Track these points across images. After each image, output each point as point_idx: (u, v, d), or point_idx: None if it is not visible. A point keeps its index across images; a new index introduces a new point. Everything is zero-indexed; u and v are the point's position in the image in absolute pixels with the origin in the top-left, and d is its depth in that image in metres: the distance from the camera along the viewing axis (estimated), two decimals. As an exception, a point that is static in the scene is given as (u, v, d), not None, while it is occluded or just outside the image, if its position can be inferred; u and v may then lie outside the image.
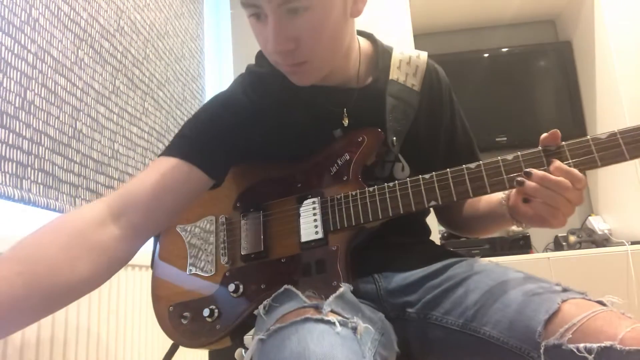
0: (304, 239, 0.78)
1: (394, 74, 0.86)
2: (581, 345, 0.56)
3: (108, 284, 1.21)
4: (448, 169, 0.72)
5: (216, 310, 0.79)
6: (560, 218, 0.66)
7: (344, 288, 0.68)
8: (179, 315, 0.81)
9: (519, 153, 0.69)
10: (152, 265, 0.92)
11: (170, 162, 0.76)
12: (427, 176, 0.73)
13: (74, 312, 1.08)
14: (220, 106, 0.85)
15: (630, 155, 0.63)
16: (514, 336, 0.64)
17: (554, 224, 0.67)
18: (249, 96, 0.84)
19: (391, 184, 0.75)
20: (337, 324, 0.58)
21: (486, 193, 0.70)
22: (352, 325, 0.60)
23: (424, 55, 0.90)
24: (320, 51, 0.73)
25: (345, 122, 0.83)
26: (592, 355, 0.55)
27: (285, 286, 0.68)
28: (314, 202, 0.79)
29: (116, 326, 1.26)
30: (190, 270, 0.86)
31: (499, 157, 0.69)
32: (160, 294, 0.87)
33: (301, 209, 0.80)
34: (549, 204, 0.66)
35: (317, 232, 0.77)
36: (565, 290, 0.66)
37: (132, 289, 1.35)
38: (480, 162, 0.71)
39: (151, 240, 0.88)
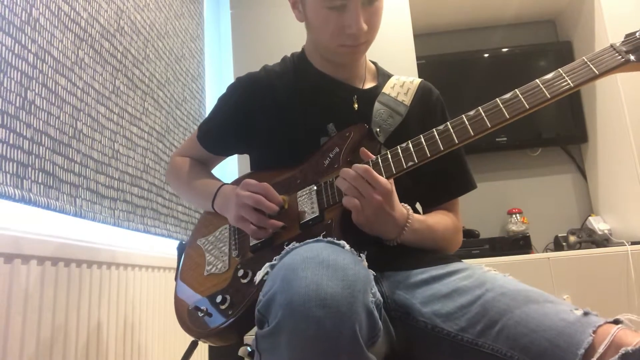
0: (302, 220, 0.86)
1: (386, 90, 1.02)
2: None
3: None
4: (421, 134, 0.82)
5: (228, 297, 0.84)
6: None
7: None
8: (196, 310, 0.87)
9: (479, 107, 0.78)
10: (176, 277, 1.00)
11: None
12: (403, 145, 0.83)
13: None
14: (245, 86, 1.05)
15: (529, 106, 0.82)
16: None
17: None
18: (270, 77, 1.03)
19: (374, 158, 0.85)
20: (346, 246, 0.67)
21: (455, 146, 0.78)
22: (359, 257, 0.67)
23: (417, 80, 1.06)
24: (376, 33, 0.95)
25: (356, 106, 0.99)
26: None
27: (287, 248, 0.71)
28: (309, 189, 0.88)
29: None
30: (207, 271, 0.93)
31: (463, 115, 0.79)
32: (181, 297, 0.95)
33: (299, 197, 0.89)
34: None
35: (313, 212, 0.85)
36: (586, 313, 0.66)
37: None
38: (448, 122, 0.80)
39: (176, 252, 1.06)
